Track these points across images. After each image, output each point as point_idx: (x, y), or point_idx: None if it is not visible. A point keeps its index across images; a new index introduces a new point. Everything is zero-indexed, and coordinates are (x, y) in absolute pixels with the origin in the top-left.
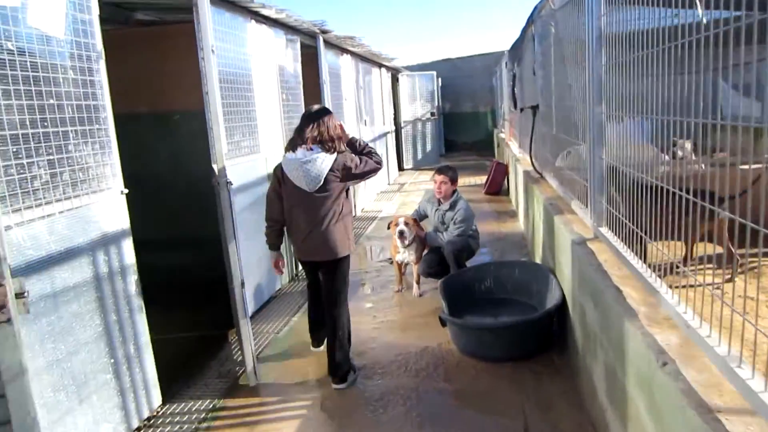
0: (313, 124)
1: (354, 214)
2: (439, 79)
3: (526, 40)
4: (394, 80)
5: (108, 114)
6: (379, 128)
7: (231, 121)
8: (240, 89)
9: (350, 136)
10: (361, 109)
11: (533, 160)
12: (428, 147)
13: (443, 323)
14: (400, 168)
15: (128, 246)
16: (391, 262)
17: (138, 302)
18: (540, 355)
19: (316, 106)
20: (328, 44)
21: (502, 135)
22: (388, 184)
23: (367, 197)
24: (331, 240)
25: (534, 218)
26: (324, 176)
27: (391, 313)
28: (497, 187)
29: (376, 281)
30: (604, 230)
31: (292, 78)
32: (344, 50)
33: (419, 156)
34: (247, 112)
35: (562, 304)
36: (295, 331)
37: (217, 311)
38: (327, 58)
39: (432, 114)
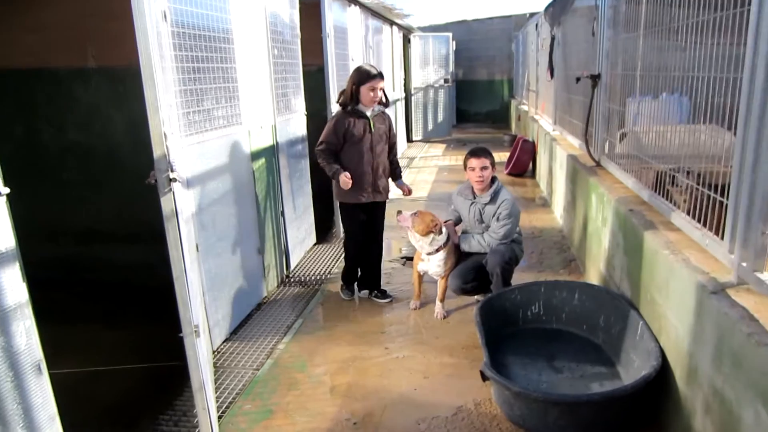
0: None
1: None
2: (454, 43)
3: None
4: (406, 41)
5: None
6: (389, 95)
7: (200, 82)
8: (213, 39)
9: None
10: None
11: (589, 144)
12: (440, 117)
13: (485, 378)
14: (409, 140)
15: (12, 277)
16: (405, 263)
17: (32, 360)
18: None
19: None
20: None
21: (524, 107)
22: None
23: None
24: None
25: (589, 219)
26: None
27: (407, 344)
28: (523, 168)
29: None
30: None
31: (287, 29)
32: (352, 0)
33: (430, 127)
34: (224, 70)
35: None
36: (280, 366)
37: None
38: (332, 7)
39: (445, 80)
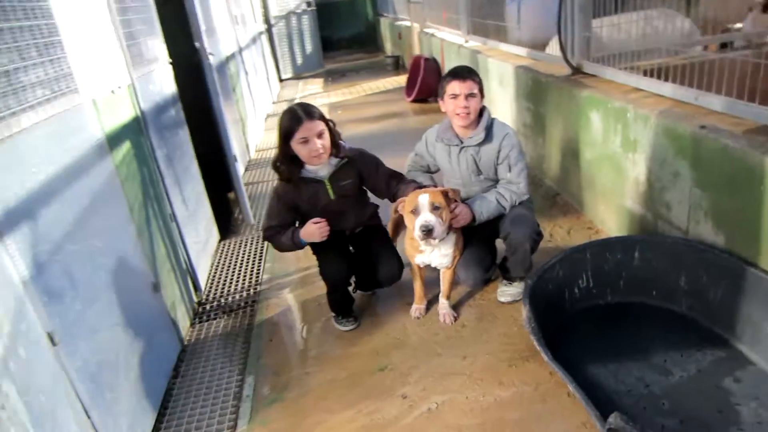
0: None
1: (248, 158)
2: None
3: None
4: None
5: None
6: (252, 28)
7: None
8: None
9: None
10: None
11: (565, 47)
12: (308, 48)
13: None
14: (280, 79)
15: None
16: None
17: None
18: None
19: None
20: None
21: (405, 23)
22: (273, 102)
23: (256, 127)
24: None
25: (584, 144)
26: None
27: (431, 381)
28: (430, 92)
29: (362, 302)
30: None
31: None
32: None
33: (299, 60)
34: (26, 10)
35: None
36: None
37: None
38: None
39: (308, 4)
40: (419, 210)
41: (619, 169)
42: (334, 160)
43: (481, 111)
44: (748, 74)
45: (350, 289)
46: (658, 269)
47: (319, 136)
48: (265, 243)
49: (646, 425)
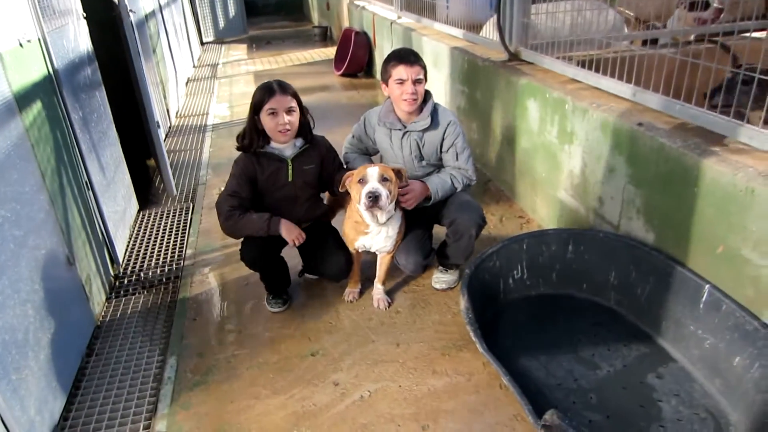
0: None
1: (168, 124)
2: None
3: None
4: None
5: None
6: None
7: None
8: None
9: None
10: None
11: (504, 32)
12: (231, 11)
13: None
14: (201, 42)
15: None
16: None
17: None
18: None
19: None
20: None
21: None
22: (194, 66)
23: (176, 91)
24: None
25: (520, 132)
26: None
27: (364, 367)
28: (359, 67)
29: (294, 284)
30: None
31: None
32: None
33: (221, 23)
34: None
35: None
36: None
37: None
38: None
39: None
40: (367, 179)
41: (554, 160)
42: (299, 142)
43: (425, 96)
44: (681, 72)
45: (302, 272)
46: (589, 263)
47: (288, 112)
48: (189, 216)
49: (576, 420)
